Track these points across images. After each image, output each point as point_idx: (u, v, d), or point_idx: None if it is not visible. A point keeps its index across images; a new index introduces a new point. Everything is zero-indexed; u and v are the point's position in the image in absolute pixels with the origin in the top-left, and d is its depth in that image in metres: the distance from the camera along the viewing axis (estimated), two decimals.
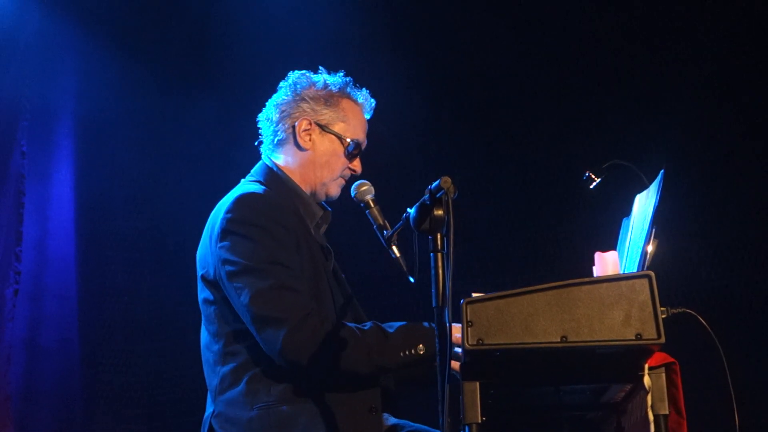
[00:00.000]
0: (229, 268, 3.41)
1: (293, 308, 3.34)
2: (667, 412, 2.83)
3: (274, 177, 3.69)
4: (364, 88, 3.83)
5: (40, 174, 5.74)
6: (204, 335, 3.60)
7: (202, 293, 3.58)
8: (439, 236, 2.88)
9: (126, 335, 6.00)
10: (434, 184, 2.88)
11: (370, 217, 3.62)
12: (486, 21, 5.88)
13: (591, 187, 3.88)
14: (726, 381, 3.02)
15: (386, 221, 3.58)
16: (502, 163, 5.85)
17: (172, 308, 5.95)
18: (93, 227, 5.97)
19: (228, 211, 3.49)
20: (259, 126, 3.82)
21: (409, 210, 2.99)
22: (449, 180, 2.85)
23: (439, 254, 2.87)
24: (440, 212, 2.87)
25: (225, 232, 3.45)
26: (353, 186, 3.69)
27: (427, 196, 2.90)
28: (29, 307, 5.55)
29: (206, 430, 3.51)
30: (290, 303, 3.35)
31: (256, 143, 3.83)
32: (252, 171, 3.76)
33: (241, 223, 3.45)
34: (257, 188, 3.61)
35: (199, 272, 3.58)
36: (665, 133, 5.31)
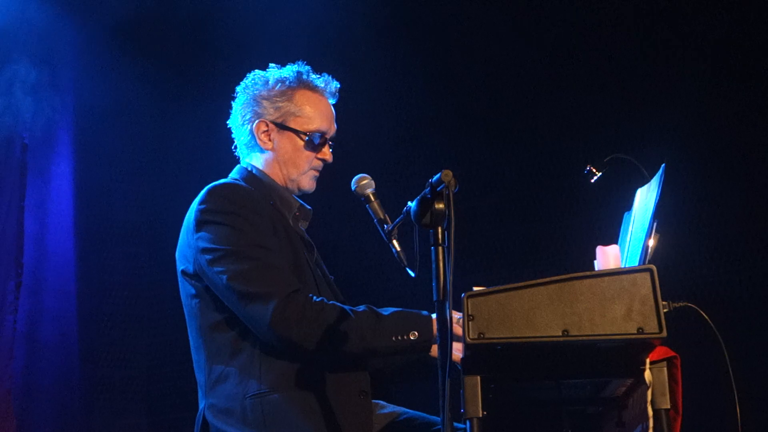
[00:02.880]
0: (208, 256, 3.42)
1: (280, 283, 3.34)
2: (668, 407, 2.82)
3: (249, 175, 3.71)
4: (324, 74, 3.81)
5: (39, 168, 5.73)
6: (189, 331, 3.59)
7: (184, 289, 3.58)
8: (439, 230, 2.87)
9: (125, 330, 6.00)
10: (435, 178, 2.88)
11: (370, 210, 3.61)
12: (488, 15, 5.87)
13: (592, 180, 3.88)
14: (728, 375, 3.01)
15: (387, 215, 3.58)
16: (503, 157, 5.84)
17: (171, 302, 5.94)
18: (92, 222, 5.97)
19: (201, 203, 3.50)
20: (231, 130, 3.84)
21: (409, 204, 2.99)
22: (450, 173, 2.84)
23: (440, 248, 2.86)
24: (441, 206, 2.86)
25: (200, 223, 3.47)
26: (354, 180, 3.68)
27: (427, 189, 2.90)
28: (28, 302, 5.55)
29: (200, 424, 3.50)
30: (276, 279, 3.35)
31: (232, 147, 3.85)
32: (230, 174, 3.78)
33: (214, 212, 3.46)
34: (229, 180, 3.66)
35: (179, 268, 3.59)
36: (666, 126, 5.30)
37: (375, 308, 3.42)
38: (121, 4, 5.95)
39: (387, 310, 3.41)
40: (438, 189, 2.87)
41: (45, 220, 5.75)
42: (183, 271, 3.56)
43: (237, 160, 3.86)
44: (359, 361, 3.45)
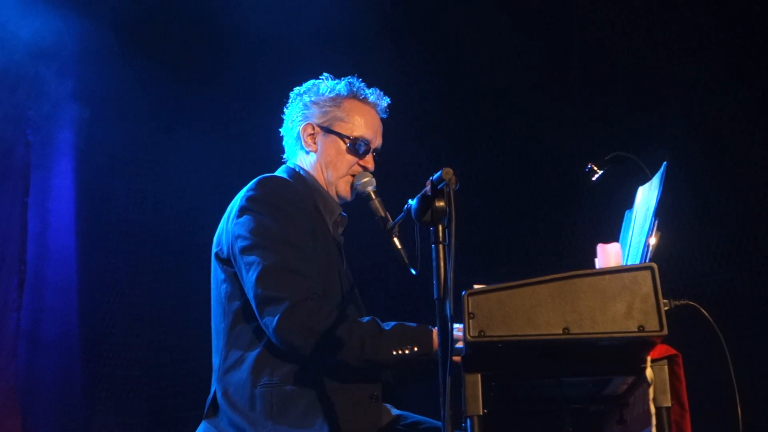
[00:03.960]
0: (241, 243, 3.47)
1: (294, 289, 3.37)
2: (669, 405, 2.82)
3: (296, 174, 3.78)
4: (375, 88, 3.87)
5: (41, 166, 5.74)
6: (213, 314, 3.65)
7: (214, 273, 3.64)
8: (440, 228, 2.88)
9: (126, 328, 6.00)
10: (436, 176, 2.89)
11: (371, 208, 3.64)
12: (489, 14, 5.87)
13: (594, 179, 3.87)
14: (729, 373, 3.01)
15: (387, 213, 3.60)
16: (504, 155, 5.84)
17: (172, 301, 5.96)
18: (93, 220, 5.97)
19: (249, 190, 3.57)
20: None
21: (410, 201, 2.99)
22: (451, 171, 2.85)
23: (441, 246, 2.87)
24: (442, 204, 2.87)
25: (242, 210, 3.53)
26: (354, 177, 3.70)
27: (428, 187, 2.90)
28: (30, 300, 5.56)
29: (209, 406, 3.56)
30: (293, 284, 3.38)
31: (282, 156, 3.93)
32: (276, 171, 3.82)
33: (259, 201, 3.52)
34: (279, 174, 3.73)
35: (214, 250, 3.64)
36: (668, 124, 5.30)
37: (379, 321, 3.44)
38: (124, 3, 5.96)
39: (390, 324, 3.43)
40: (439, 187, 2.88)
41: (47, 218, 5.75)
42: (216, 254, 3.62)
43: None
44: (361, 373, 3.46)
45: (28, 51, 5.62)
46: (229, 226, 3.56)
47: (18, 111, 5.59)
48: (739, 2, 5.34)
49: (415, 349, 3.38)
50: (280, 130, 3.92)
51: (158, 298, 6.05)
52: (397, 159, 5.66)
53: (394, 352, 3.38)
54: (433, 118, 6.00)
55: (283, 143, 3.91)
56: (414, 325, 3.44)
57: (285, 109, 3.89)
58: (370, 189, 3.66)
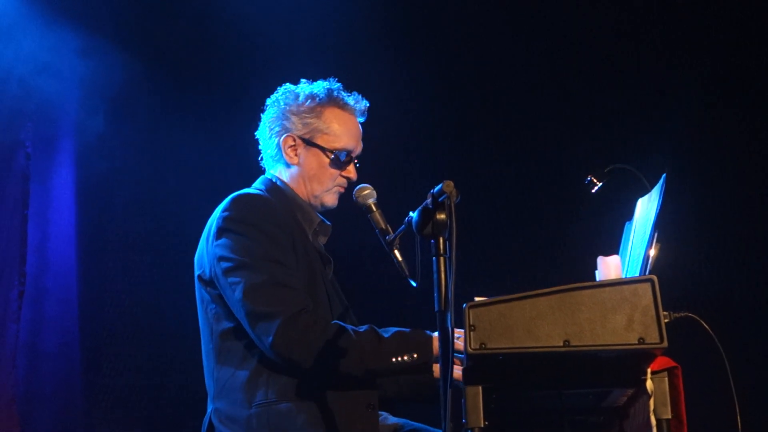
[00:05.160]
0: (224, 264, 3.44)
1: (287, 303, 3.36)
2: (669, 417, 2.83)
3: (274, 187, 3.74)
4: (354, 92, 3.83)
5: (41, 176, 5.73)
6: (201, 336, 3.62)
7: (199, 293, 3.61)
8: (441, 240, 2.88)
9: (127, 339, 5.98)
10: (437, 188, 2.88)
11: (372, 221, 3.63)
12: (489, 24, 5.88)
13: (593, 191, 3.89)
14: (728, 385, 3.02)
15: (388, 225, 3.59)
16: (504, 167, 5.85)
17: (173, 312, 5.94)
18: (93, 230, 5.95)
19: (224, 210, 3.53)
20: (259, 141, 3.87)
21: (411, 214, 2.99)
22: (452, 184, 2.85)
23: (442, 258, 2.86)
24: (442, 216, 2.87)
25: (221, 230, 3.50)
26: (355, 190, 3.70)
27: (429, 200, 2.90)
28: (30, 311, 5.54)
29: (206, 427, 3.54)
30: (284, 298, 3.37)
31: (259, 158, 3.87)
32: (254, 184, 3.80)
33: (236, 221, 3.49)
34: (254, 190, 3.68)
35: (196, 272, 3.61)
36: (667, 137, 5.31)
37: (377, 329, 3.43)
38: (124, 10, 5.96)
39: (389, 331, 3.42)
40: (440, 199, 2.87)
41: (46, 229, 5.74)
42: (199, 276, 3.59)
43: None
44: (361, 381, 3.45)
45: (27, 62, 5.62)
46: (209, 247, 3.52)
47: (17, 122, 5.58)
48: (739, 15, 5.36)
49: (415, 356, 3.38)
50: (256, 134, 3.85)
51: (158, 310, 6.04)
52: (397, 171, 5.68)
53: (394, 360, 3.37)
54: (434, 129, 6.01)
55: (261, 148, 3.85)
56: (408, 330, 3.42)
57: (262, 115, 3.83)
58: (371, 201, 3.63)
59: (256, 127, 3.90)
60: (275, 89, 3.88)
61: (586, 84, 5.69)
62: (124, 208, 6.12)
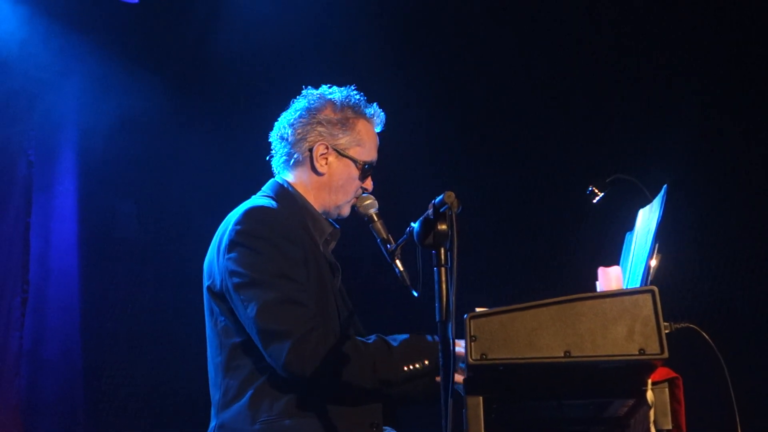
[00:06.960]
0: (236, 279, 3.42)
1: (298, 322, 3.34)
2: (670, 427, 2.83)
3: (285, 193, 3.69)
4: (374, 103, 3.80)
5: (43, 185, 5.75)
6: (209, 347, 3.61)
7: (208, 304, 3.59)
8: (442, 251, 2.88)
9: (129, 347, 5.99)
10: (438, 199, 2.89)
11: (373, 230, 3.63)
12: (492, 36, 5.90)
13: (594, 201, 3.89)
14: (729, 396, 3.02)
15: (390, 235, 3.59)
16: (505, 178, 5.86)
17: (174, 320, 5.95)
18: (96, 239, 5.97)
19: (237, 223, 3.49)
20: (271, 142, 3.80)
21: (412, 224, 3.00)
22: (453, 195, 2.86)
23: (443, 269, 2.87)
24: (444, 227, 2.87)
25: (233, 244, 3.46)
26: (357, 199, 3.70)
27: (430, 210, 2.91)
28: (32, 319, 5.55)
29: None
30: (295, 316, 3.35)
31: (267, 158, 3.82)
32: (263, 187, 3.75)
33: (249, 235, 3.46)
34: (267, 202, 3.61)
35: (206, 283, 3.59)
36: (668, 147, 5.31)
37: (385, 338, 3.44)
38: (127, 22, 5.98)
39: (397, 339, 3.43)
40: (441, 210, 2.88)
41: (49, 237, 5.75)
42: (209, 287, 3.56)
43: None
44: (374, 393, 3.45)
45: (30, 72, 5.63)
46: (221, 259, 3.50)
47: (20, 131, 5.60)
48: (740, 26, 5.37)
49: (426, 362, 3.39)
50: (273, 134, 3.77)
51: (160, 318, 6.05)
52: (399, 181, 5.68)
53: (406, 368, 3.38)
54: (435, 140, 6.02)
55: (275, 149, 3.77)
56: (410, 337, 3.43)
57: (288, 121, 3.73)
58: (372, 211, 3.64)
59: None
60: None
61: (587, 95, 5.70)
62: (126, 217, 6.13)
